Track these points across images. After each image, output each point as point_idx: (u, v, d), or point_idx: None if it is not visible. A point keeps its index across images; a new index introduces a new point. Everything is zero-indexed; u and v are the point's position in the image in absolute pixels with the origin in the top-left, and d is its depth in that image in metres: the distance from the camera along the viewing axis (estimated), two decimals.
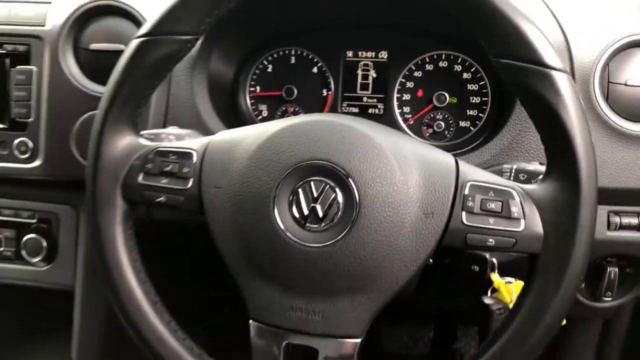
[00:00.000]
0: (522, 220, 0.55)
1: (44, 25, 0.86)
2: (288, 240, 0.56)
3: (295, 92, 0.96)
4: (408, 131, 0.92)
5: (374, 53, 0.93)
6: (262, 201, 0.57)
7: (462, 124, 0.91)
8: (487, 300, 0.72)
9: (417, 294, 0.85)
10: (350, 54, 0.94)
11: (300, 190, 0.57)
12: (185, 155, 0.62)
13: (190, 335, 0.64)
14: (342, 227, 0.56)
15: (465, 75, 0.91)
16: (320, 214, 0.56)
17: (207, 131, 0.82)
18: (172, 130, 0.76)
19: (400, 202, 0.55)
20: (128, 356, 1.04)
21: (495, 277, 0.73)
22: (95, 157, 0.62)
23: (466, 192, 0.56)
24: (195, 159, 0.62)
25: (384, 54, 0.93)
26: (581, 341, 1.25)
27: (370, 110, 0.94)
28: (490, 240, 0.55)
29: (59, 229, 0.96)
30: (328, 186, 0.56)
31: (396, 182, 0.56)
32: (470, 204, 0.56)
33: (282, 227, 0.57)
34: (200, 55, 0.84)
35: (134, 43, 0.61)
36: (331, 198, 0.56)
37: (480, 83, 0.90)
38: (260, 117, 0.98)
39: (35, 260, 0.95)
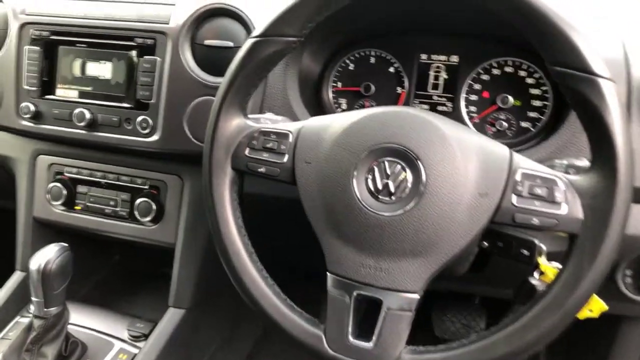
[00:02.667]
0: (565, 205, 0.64)
1: (168, 23, 1.00)
2: (363, 209, 0.67)
3: (373, 88, 1.06)
4: (473, 128, 1.01)
5: (446, 57, 1.03)
6: (343, 175, 0.69)
7: (523, 124, 0.99)
8: (534, 281, 0.79)
9: (471, 275, 0.95)
10: (424, 56, 1.04)
11: (376, 168, 0.68)
12: (283, 135, 0.75)
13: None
14: (409, 201, 0.66)
15: (528, 80, 0.98)
16: (392, 189, 0.67)
17: (295, 119, 0.95)
18: (269, 116, 0.89)
19: (460, 183, 0.65)
20: (216, 304, 1.20)
21: (542, 261, 0.81)
22: (212, 132, 0.76)
23: (517, 178, 0.65)
24: (291, 138, 0.74)
25: (455, 58, 1.02)
26: (629, 343, 1.29)
27: (439, 108, 1.03)
28: (535, 219, 0.64)
29: (166, 195, 1.11)
30: (400, 166, 0.67)
31: (457, 166, 0.66)
32: (519, 188, 0.65)
33: (359, 197, 0.68)
34: (293, 54, 0.97)
35: (249, 42, 0.74)
36: (402, 176, 0.67)
37: (542, 88, 0.97)
38: (339, 110, 1.09)
39: (145, 220, 1.11)
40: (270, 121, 0.85)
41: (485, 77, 1.01)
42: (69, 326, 1.03)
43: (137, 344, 1.09)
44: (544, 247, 0.78)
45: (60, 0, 1.09)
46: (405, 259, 0.67)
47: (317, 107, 1.08)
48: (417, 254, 0.67)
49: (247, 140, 0.76)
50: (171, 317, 1.11)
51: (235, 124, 0.77)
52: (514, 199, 0.65)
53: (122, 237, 1.16)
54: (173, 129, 1.01)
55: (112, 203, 1.14)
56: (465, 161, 0.67)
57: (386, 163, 0.68)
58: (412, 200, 0.66)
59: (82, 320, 1.13)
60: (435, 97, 1.04)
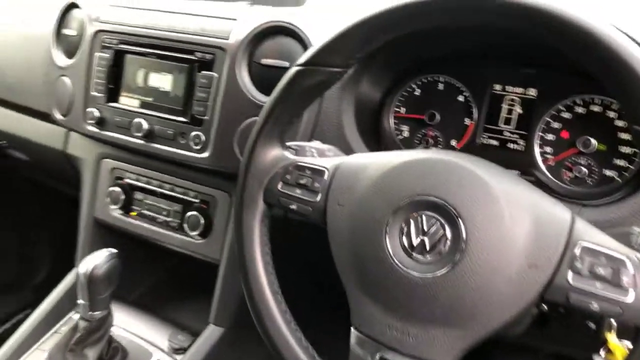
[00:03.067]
0: (632, 291, 0.54)
1: (228, 39, 0.98)
2: (394, 266, 0.61)
3: (438, 117, 0.98)
4: (547, 172, 0.90)
5: (522, 89, 0.92)
6: (376, 225, 0.62)
7: (608, 172, 0.86)
8: None
9: (531, 336, 0.84)
10: (497, 87, 0.94)
11: (412, 221, 0.61)
12: (318, 172, 0.69)
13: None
14: (446, 263, 0.59)
15: (618, 123, 0.85)
16: (428, 247, 0.60)
17: (347, 147, 0.89)
18: (316, 144, 0.84)
19: (505, 250, 0.57)
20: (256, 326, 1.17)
21: (611, 338, 0.70)
22: (247, 162, 0.73)
23: (576, 252, 0.56)
24: (326, 176, 0.69)
25: (532, 92, 0.91)
26: None
27: (510, 145, 0.93)
28: (594, 304, 0.55)
29: (215, 210, 1.09)
30: (438, 222, 0.60)
31: (504, 229, 0.57)
32: (578, 264, 0.55)
33: (390, 252, 0.61)
34: (351, 79, 0.91)
35: (292, 70, 0.70)
36: (440, 234, 0.59)
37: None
38: (400, 137, 1.02)
39: (194, 233, 1.10)
40: (316, 151, 0.80)
41: (566, 115, 0.89)
42: (113, 328, 1.05)
43: (176, 356, 1.09)
44: (613, 322, 0.68)
45: (131, 10, 1.11)
46: (436, 327, 0.60)
47: (374, 135, 1.01)
48: (450, 323, 0.59)
49: (282, 173, 0.72)
50: (210, 335, 1.09)
51: (272, 155, 0.73)
52: (570, 276, 0.56)
53: (170, 247, 1.16)
54: (223, 147, 0.99)
55: (164, 213, 1.15)
56: (514, 224, 0.58)
57: (424, 217, 0.61)
58: (449, 263, 0.59)
59: (128, 323, 1.15)
60: (506, 133, 0.94)
